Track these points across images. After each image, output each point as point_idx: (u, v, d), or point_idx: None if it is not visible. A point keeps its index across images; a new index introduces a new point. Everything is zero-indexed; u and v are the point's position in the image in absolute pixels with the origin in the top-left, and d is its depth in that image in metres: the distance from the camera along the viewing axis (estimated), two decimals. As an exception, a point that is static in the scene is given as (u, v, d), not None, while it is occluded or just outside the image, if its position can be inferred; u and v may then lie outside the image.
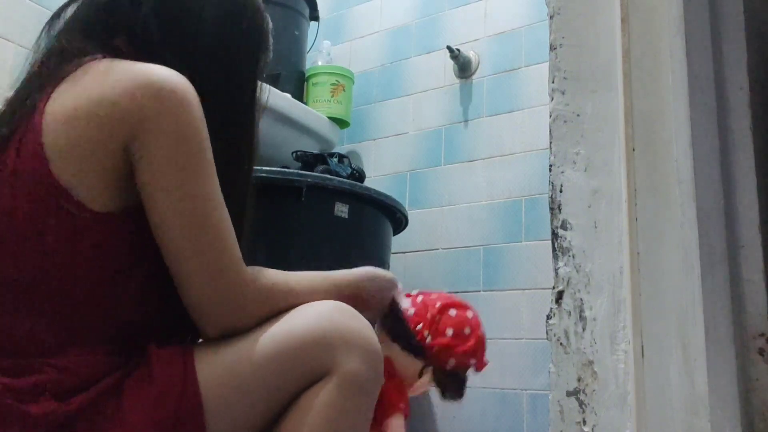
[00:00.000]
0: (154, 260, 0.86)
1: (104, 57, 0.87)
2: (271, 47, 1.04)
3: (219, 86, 0.94)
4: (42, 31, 0.95)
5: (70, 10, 0.95)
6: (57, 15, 0.95)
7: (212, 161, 0.85)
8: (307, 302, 0.92)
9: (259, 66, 1.01)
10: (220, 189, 0.86)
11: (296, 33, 2.39)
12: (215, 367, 0.85)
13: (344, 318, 0.89)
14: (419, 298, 1.34)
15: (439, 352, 1.28)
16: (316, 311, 0.89)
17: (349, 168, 2.08)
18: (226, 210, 0.86)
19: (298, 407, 0.86)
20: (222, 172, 0.87)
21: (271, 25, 1.04)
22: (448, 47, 2.25)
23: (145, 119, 0.80)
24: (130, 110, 0.80)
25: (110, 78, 0.83)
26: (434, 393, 2.10)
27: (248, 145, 0.98)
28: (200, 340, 0.91)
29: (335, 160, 2.07)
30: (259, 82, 1.00)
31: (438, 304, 1.33)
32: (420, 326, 1.28)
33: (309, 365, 0.86)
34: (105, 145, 0.81)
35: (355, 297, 1.01)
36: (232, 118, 0.95)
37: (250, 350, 0.85)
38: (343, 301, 0.93)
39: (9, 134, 0.84)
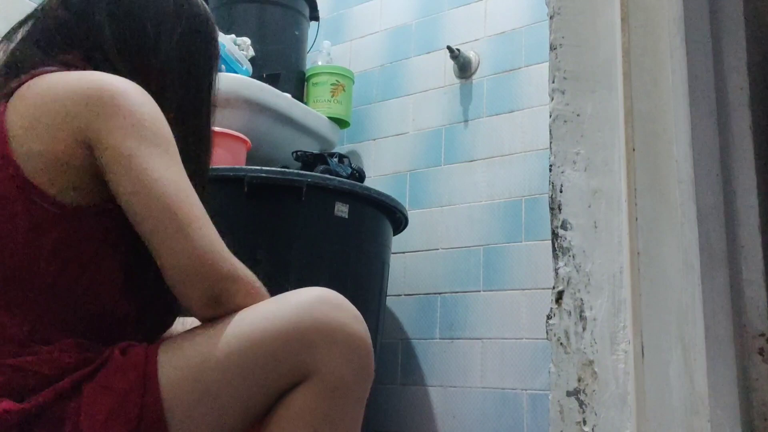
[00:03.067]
0: (128, 253, 0.86)
1: (54, 71, 0.89)
2: (220, 54, 1.08)
3: (176, 98, 0.96)
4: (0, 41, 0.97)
5: (28, 27, 0.97)
6: (15, 29, 0.98)
7: (175, 150, 0.86)
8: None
9: (213, 75, 1.03)
10: (186, 177, 0.85)
11: (296, 33, 2.39)
12: (180, 372, 0.79)
13: (327, 310, 0.82)
14: None
15: None
16: (298, 302, 0.82)
17: (349, 168, 2.08)
18: (191, 188, 0.85)
19: (276, 415, 0.80)
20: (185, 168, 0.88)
21: (217, 31, 1.08)
22: (448, 47, 2.25)
23: (96, 119, 0.83)
24: (83, 115, 0.83)
25: (60, 91, 0.85)
26: (435, 393, 2.11)
27: (205, 145, 1.00)
28: (166, 337, 0.89)
29: (335, 160, 2.07)
30: (214, 89, 1.03)
31: None
32: None
33: (286, 366, 0.79)
34: (68, 150, 0.83)
35: None
36: (189, 125, 0.96)
37: (218, 350, 0.79)
38: None
39: None
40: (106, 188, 0.84)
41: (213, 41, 1.04)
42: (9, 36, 0.97)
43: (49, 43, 0.94)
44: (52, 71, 0.89)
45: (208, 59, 1.02)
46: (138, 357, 0.81)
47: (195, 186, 0.87)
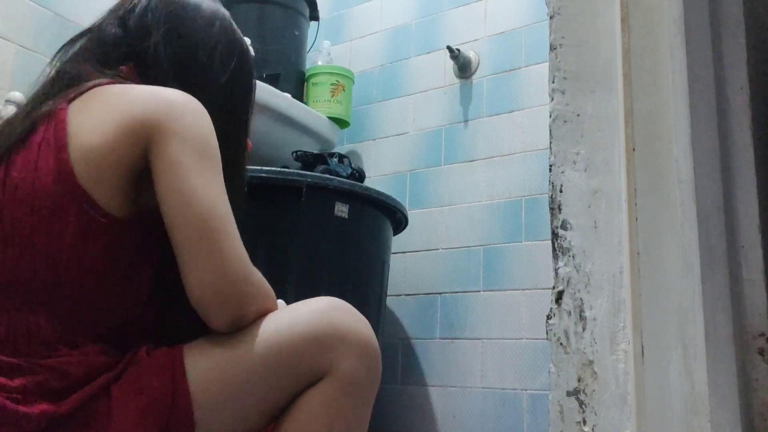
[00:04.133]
0: (157, 265, 0.89)
1: (113, 82, 0.93)
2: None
3: (219, 127, 0.98)
4: (56, 54, 1.00)
5: (83, 41, 1.00)
6: (70, 43, 1.00)
7: (220, 168, 0.89)
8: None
9: (251, 107, 1.07)
10: (226, 192, 0.89)
11: (296, 33, 2.39)
12: (207, 373, 0.84)
13: (340, 316, 0.88)
14: None
15: None
16: (312, 309, 0.89)
17: (349, 168, 2.08)
18: (229, 208, 0.88)
19: (295, 410, 0.85)
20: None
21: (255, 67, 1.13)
22: (448, 47, 2.25)
23: (160, 125, 0.86)
24: (148, 120, 0.86)
25: (128, 96, 0.89)
26: (435, 393, 2.11)
27: (242, 173, 1.05)
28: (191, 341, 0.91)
29: (335, 160, 2.07)
30: (251, 120, 1.07)
31: None
32: None
33: (305, 367, 0.85)
34: (126, 153, 0.85)
35: None
36: (229, 154, 0.99)
37: (243, 353, 0.85)
38: None
39: (25, 137, 0.89)
40: (145, 198, 0.87)
41: (253, 75, 1.08)
42: (68, 46, 1.00)
43: (104, 59, 0.97)
44: (112, 82, 0.92)
45: (249, 92, 1.06)
46: (165, 358, 0.85)
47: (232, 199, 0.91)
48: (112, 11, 1.01)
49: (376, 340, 0.90)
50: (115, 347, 0.87)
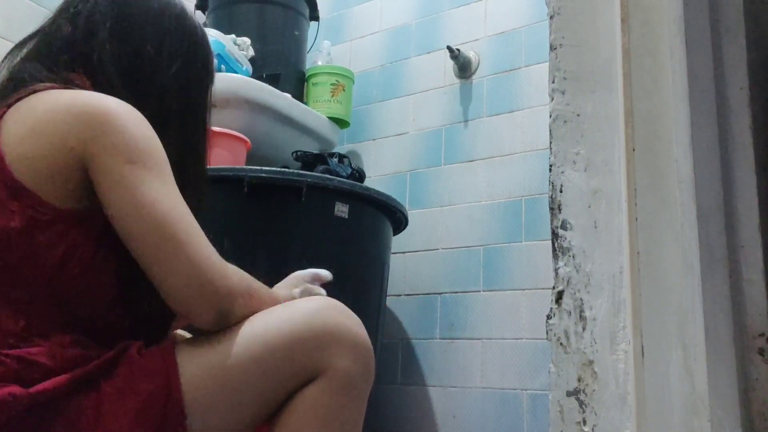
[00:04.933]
0: (124, 260, 0.87)
1: (50, 88, 0.90)
2: (215, 73, 1.10)
3: (175, 118, 0.98)
4: (4, 60, 0.98)
5: (32, 43, 0.98)
6: (19, 46, 0.99)
7: (167, 168, 0.87)
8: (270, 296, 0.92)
9: (209, 94, 1.05)
10: (178, 194, 0.87)
11: (296, 33, 2.39)
12: (201, 373, 0.84)
13: (334, 315, 0.89)
14: None
15: None
16: (305, 309, 0.89)
17: (349, 168, 2.08)
18: (186, 209, 0.87)
19: (290, 409, 0.85)
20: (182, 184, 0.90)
21: (213, 54, 1.10)
22: (448, 47, 2.25)
23: (91, 142, 0.84)
24: (75, 135, 0.84)
25: (59, 105, 0.87)
26: (435, 393, 2.11)
27: (203, 161, 1.03)
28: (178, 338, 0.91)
29: (335, 160, 2.07)
30: (209, 105, 1.05)
31: None
32: None
33: (299, 366, 0.85)
34: (60, 164, 0.84)
35: None
36: (188, 144, 0.99)
37: (237, 352, 0.84)
38: None
39: None
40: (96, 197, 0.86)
41: (210, 59, 1.06)
42: (17, 50, 0.98)
43: (54, 60, 0.95)
44: (51, 87, 0.90)
45: (206, 76, 1.04)
46: (158, 360, 0.84)
47: (191, 199, 0.89)
48: (62, 10, 0.99)
49: (368, 339, 0.90)
50: (94, 341, 0.86)
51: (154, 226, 0.83)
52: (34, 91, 0.90)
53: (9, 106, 0.89)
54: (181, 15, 1.02)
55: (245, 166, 1.90)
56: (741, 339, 0.64)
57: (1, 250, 0.84)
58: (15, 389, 0.77)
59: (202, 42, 1.04)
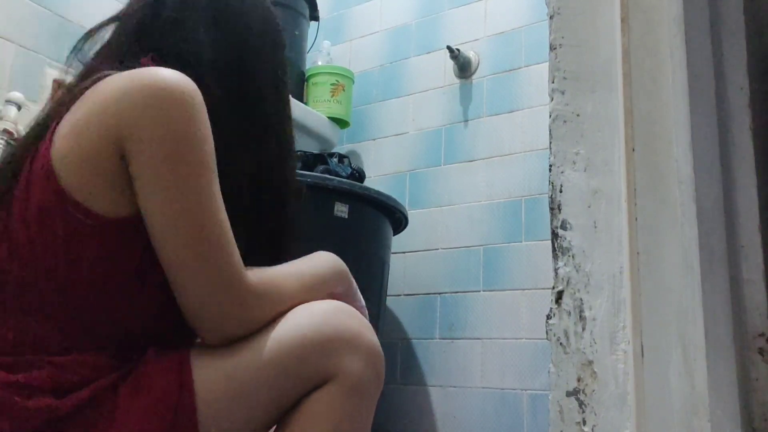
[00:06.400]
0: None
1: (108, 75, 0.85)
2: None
3: (271, 117, 0.94)
4: (71, 52, 0.93)
5: (103, 33, 0.93)
6: (88, 36, 0.93)
7: (209, 164, 0.82)
8: (301, 300, 0.89)
9: (287, 79, 1.00)
10: (218, 196, 0.83)
11: (296, 33, 2.39)
12: (214, 373, 0.83)
13: (344, 319, 0.88)
14: None
15: None
16: (317, 313, 0.88)
17: (349, 168, 2.08)
18: (223, 214, 0.83)
19: (300, 412, 0.84)
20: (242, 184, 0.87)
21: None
22: (448, 47, 2.25)
23: (136, 119, 0.78)
24: (122, 112, 0.79)
25: (110, 84, 0.81)
26: (435, 393, 2.11)
27: (293, 157, 0.99)
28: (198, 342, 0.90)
29: (335, 160, 2.07)
30: (286, 94, 1.00)
31: None
32: None
33: (311, 370, 0.84)
34: (103, 150, 0.79)
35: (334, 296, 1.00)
36: (281, 144, 0.95)
37: (250, 355, 0.84)
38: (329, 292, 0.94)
39: (24, 154, 0.85)
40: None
41: (283, 49, 1.02)
42: (83, 43, 0.93)
43: (125, 53, 0.89)
44: (110, 74, 0.84)
45: (283, 70, 1.01)
46: (172, 359, 0.83)
47: (274, 197, 0.89)
48: None
49: (379, 344, 0.90)
50: (128, 352, 0.85)
51: (189, 234, 0.80)
52: (94, 82, 0.83)
53: (74, 101, 0.83)
54: (269, 2, 0.98)
55: (245, 166, 1.89)
56: (741, 339, 0.64)
57: (46, 262, 0.80)
58: (48, 401, 0.77)
59: (282, 33, 1.00)
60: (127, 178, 0.81)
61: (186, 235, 0.80)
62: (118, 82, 0.82)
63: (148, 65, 0.87)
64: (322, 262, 0.99)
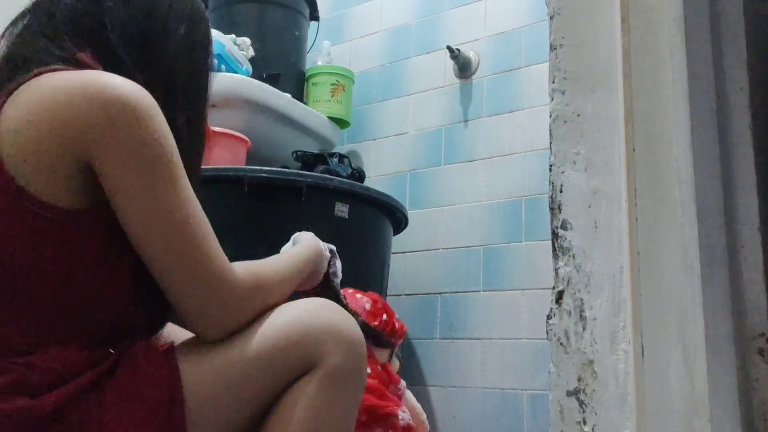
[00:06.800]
0: (132, 256, 0.84)
1: (54, 70, 0.84)
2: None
3: (184, 93, 0.95)
4: (3, 33, 0.92)
5: (30, 17, 0.92)
6: (14, 22, 0.92)
7: (179, 164, 0.83)
8: (282, 292, 0.94)
9: (210, 70, 1.02)
10: (192, 191, 0.84)
11: (296, 33, 2.39)
12: (203, 369, 0.85)
13: (332, 314, 0.91)
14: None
15: (392, 334, 1.66)
16: (302, 308, 0.91)
17: (349, 168, 2.08)
18: (201, 211, 0.84)
19: (284, 402, 0.87)
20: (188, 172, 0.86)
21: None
22: (448, 47, 2.25)
23: (100, 135, 0.79)
24: (84, 125, 0.79)
25: (63, 89, 0.80)
26: (435, 393, 2.11)
27: (204, 140, 1.00)
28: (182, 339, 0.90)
29: (335, 160, 2.07)
30: (210, 83, 1.02)
31: (368, 300, 1.65)
32: (375, 323, 1.62)
33: (295, 359, 0.87)
34: (61, 156, 0.79)
35: (311, 274, 1.09)
36: (192, 124, 0.96)
37: (239, 349, 0.86)
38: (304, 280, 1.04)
39: None
40: (101, 191, 0.82)
41: (209, 30, 1.03)
42: (12, 27, 0.92)
43: (57, 33, 0.89)
44: (58, 69, 0.84)
45: (207, 47, 1.02)
46: (161, 365, 0.83)
47: (194, 184, 0.87)
48: None
49: (362, 336, 0.92)
50: (108, 342, 0.84)
51: (170, 238, 0.81)
52: (38, 74, 0.83)
53: (9, 94, 0.82)
54: None
55: (245, 166, 1.90)
56: (741, 339, 0.64)
57: (4, 257, 0.79)
58: (24, 402, 0.75)
59: (202, 7, 1.02)
60: (85, 175, 0.80)
61: (166, 240, 0.81)
62: (68, 84, 0.81)
63: (87, 63, 0.88)
64: (301, 247, 1.08)
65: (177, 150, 0.84)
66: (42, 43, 0.88)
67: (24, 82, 0.83)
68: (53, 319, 0.81)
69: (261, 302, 0.89)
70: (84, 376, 0.79)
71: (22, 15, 0.92)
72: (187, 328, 0.88)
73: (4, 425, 0.74)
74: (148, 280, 0.85)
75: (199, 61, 0.99)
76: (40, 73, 0.83)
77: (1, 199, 0.79)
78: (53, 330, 0.81)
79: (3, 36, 0.92)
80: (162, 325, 0.94)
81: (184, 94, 0.94)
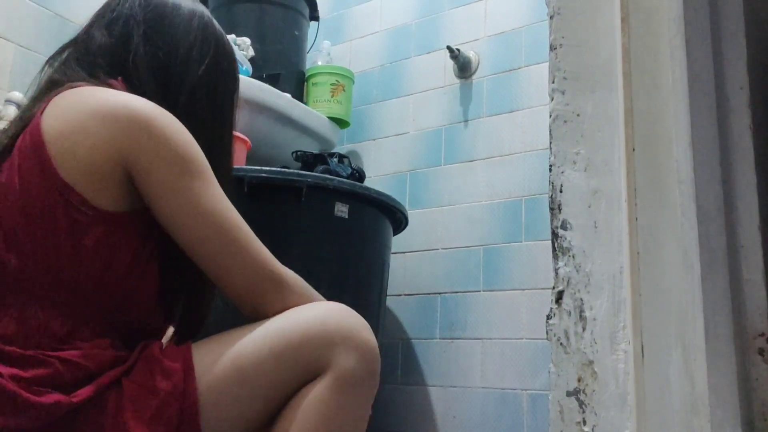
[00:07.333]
0: (164, 263, 0.92)
1: (90, 84, 0.94)
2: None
3: (203, 120, 1.01)
4: (43, 66, 1.01)
5: (70, 51, 1.01)
6: (57, 54, 1.02)
7: (209, 169, 0.92)
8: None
9: (235, 97, 1.10)
10: (222, 192, 0.92)
11: (296, 33, 2.39)
12: (217, 363, 0.88)
13: (346, 317, 0.92)
14: None
15: None
16: (319, 310, 0.92)
17: (349, 168, 2.08)
18: (235, 211, 0.92)
19: (294, 404, 0.88)
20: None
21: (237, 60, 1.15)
22: (448, 47, 2.25)
23: (133, 145, 0.87)
24: (119, 139, 0.87)
25: (106, 105, 0.89)
26: (435, 393, 2.11)
27: (230, 164, 1.09)
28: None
29: (335, 160, 2.07)
30: (233, 117, 1.10)
31: None
32: None
33: (308, 361, 0.88)
34: (101, 166, 0.87)
35: None
36: (213, 152, 1.01)
37: (253, 346, 0.88)
38: None
39: (11, 145, 0.91)
40: (142, 198, 0.90)
41: (235, 65, 1.10)
42: (54, 58, 1.02)
43: (93, 65, 0.98)
44: (92, 84, 0.93)
45: (231, 80, 1.08)
46: (176, 359, 0.88)
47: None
48: (98, 17, 1.03)
49: (377, 344, 0.93)
50: (125, 342, 0.90)
51: (216, 233, 0.89)
52: (71, 87, 0.92)
53: (49, 101, 0.91)
54: (209, 22, 1.07)
55: (245, 166, 1.90)
56: (741, 339, 0.64)
57: (48, 251, 0.85)
58: (59, 397, 0.81)
59: (227, 47, 1.09)
60: (128, 182, 0.88)
61: (216, 245, 0.89)
62: (110, 101, 0.90)
63: (118, 86, 0.96)
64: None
65: (206, 160, 0.93)
66: (80, 72, 0.97)
67: (61, 91, 0.91)
68: (91, 311, 0.88)
69: (300, 291, 0.94)
70: (108, 374, 0.85)
71: (63, 48, 1.02)
72: (244, 311, 0.93)
73: (42, 417, 0.80)
74: (169, 285, 0.93)
75: (219, 97, 1.05)
76: (73, 86, 0.92)
77: (49, 195, 0.86)
78: (89, 321, 0.88)
79: (47, 63, 1.02)
80: (187, 331, 0.98)
81: (202, 124, 0.99)
